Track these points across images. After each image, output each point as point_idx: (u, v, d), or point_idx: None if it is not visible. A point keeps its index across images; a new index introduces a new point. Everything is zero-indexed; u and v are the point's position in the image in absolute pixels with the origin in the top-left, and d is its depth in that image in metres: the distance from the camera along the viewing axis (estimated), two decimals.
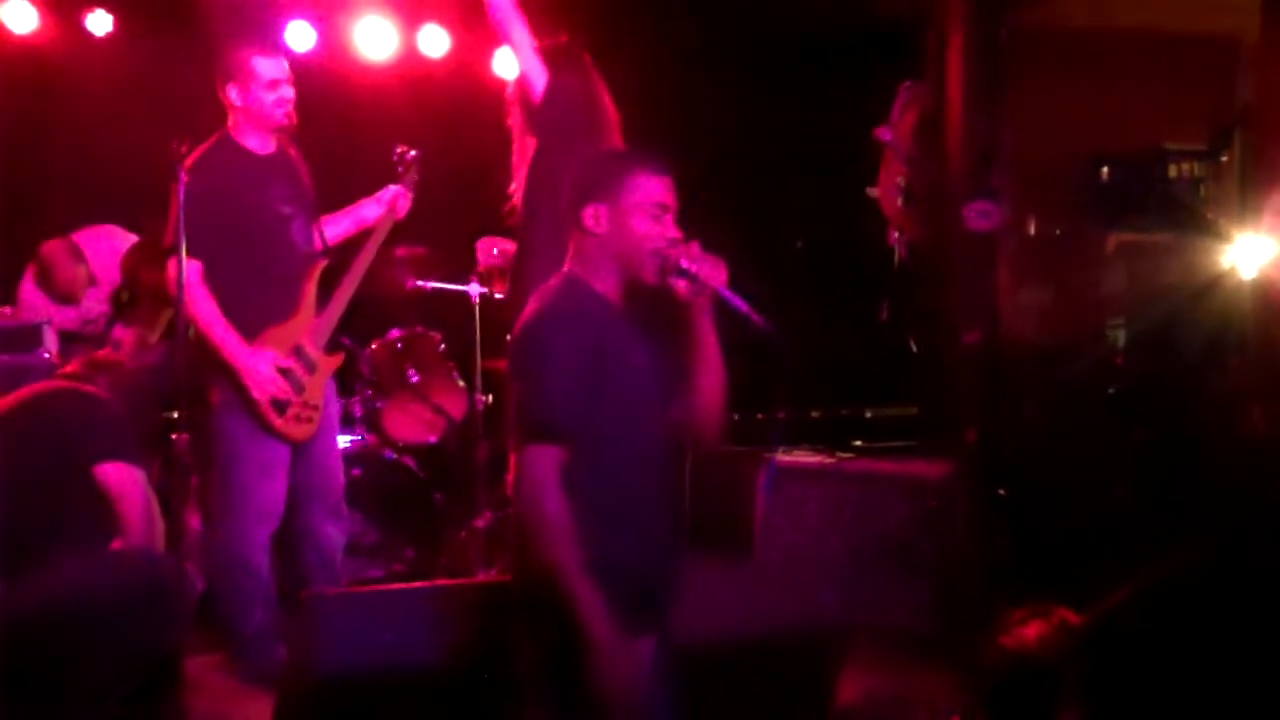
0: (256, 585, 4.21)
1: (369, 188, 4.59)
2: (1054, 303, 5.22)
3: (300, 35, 5.83)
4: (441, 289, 5.46)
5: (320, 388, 4.31)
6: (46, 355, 5.03)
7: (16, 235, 5.57)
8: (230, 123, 4.27)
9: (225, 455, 4.19)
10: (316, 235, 4.37)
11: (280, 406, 4.18)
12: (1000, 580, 4.57)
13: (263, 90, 4.20)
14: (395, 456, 5.30)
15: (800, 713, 3.65)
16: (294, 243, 4.30)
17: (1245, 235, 4.77)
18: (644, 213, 2.76)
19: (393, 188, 4.54)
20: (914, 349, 5.56)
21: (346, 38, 5.63)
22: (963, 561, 4.66)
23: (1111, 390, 5.13)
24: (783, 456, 5.21)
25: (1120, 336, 5.14)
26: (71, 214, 5.77)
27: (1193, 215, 5.05)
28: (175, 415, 4.52)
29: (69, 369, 3.96)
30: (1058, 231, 5.25)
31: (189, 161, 3.91)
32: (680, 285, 2.81)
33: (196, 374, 4.13)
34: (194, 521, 4.41)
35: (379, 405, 5.44)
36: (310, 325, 4.31)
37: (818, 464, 5.09)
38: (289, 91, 4.24)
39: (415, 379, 5.42)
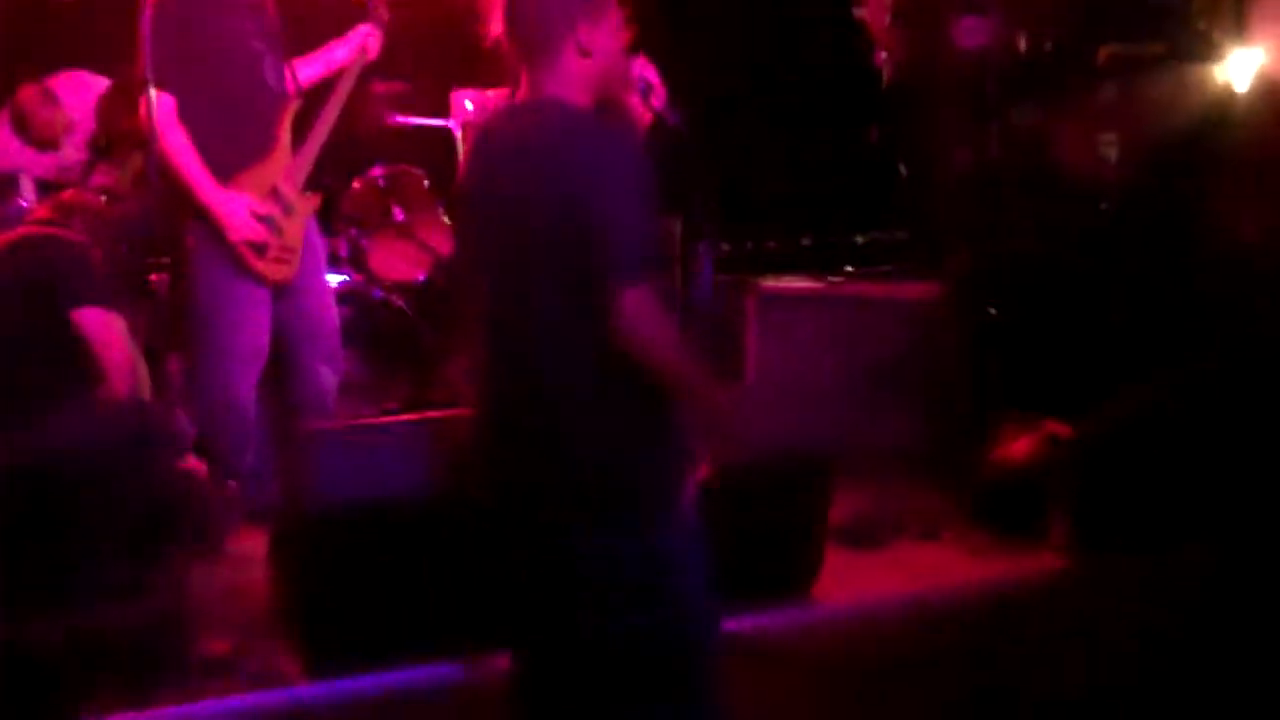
0: (244, 425, 4.23)
1: (336, 29, 4.52)
2: (1045, 120, 5.18)
3: None
4: (423, 124, 5.45)
5: (299, 230, 4.28)
6: (24, 204, 4.97)
7: None
8: None
9: (204, 299, 4.19)
10: (289, 75, 4.30)
11: (258, 249, 4.17)
12: (990, 399, 4.62)
13: None
14: (383, 295, 5.30)
15: (793, 534, 3.67)
16: (266, 81, 4.24)
17: (1238, 48, 4.77)
18: (620, 30, 2.74)
19: (362, 27, 4.45)
20: (903, 172, 5.55)
21: None
22: (953, 381, 4.72)
23: (1104, 206, 5.15)
24: (772, 282, 5.19)
25: (1111, 153, 5.12)
26: (43, 60, 5.62)
27: (1185, 26, 5.04)
28: (155, 260, 4.59)
29: (39, 214, 3.91)
30: (1047, 46, 5.21)
31: None
32: (635, 100, 2.86)
33: (171, 217, 4.11)
34: (174, 366, 4.43)
35: (364, 244, 5.39)
36: (286, 166, 4.27)
37: (808, 289, 5.12)
38: None
39: (400, 217, 5.39)
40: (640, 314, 2.51)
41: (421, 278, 5.50)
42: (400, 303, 5.35)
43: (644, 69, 2.88)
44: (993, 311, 4.90)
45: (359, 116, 5.01)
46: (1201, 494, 3.71)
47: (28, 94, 5.43)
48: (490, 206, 2.72)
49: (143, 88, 3.81)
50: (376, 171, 5.48)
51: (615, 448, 2.59)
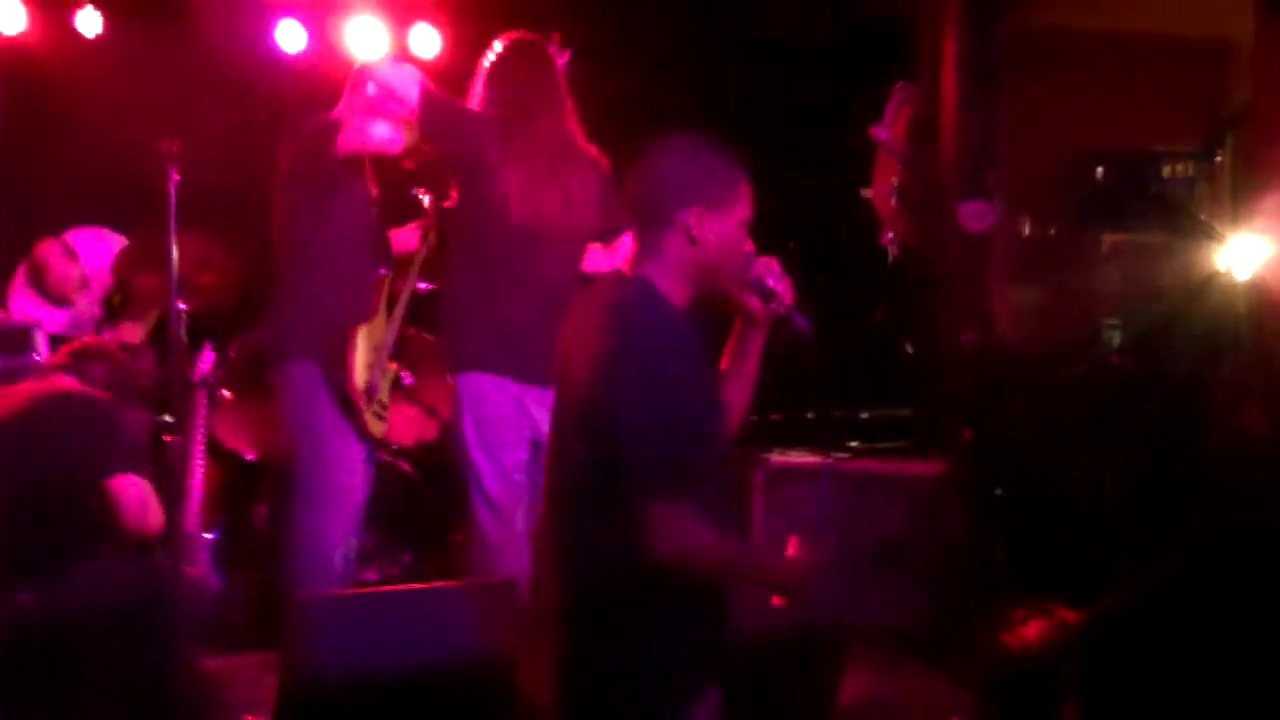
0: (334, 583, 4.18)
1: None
2: (1048, 304, 5.20)
3: (290, 35, 5.80)
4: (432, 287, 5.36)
5: (388, 392, 4.37)
6: (37, 358, 5.01)
7: (7, 236, 5.56)
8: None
9: (307, 448, 4.21)
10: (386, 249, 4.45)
11: (369, 397, 4.22)
12: (996, 581, 4.57)
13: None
14: (389, 459, 5.26)
15: (799, 714, 3.51)
16: (376, 249, 4.41)
17: (1239, 235, 4.79)
18: (744, 225, 2.61)
19: (423, 222, 4.59)
20: (909, 350, 5.56)
21: (337, 37, 5.41)
22: (958, 562, 4.68)
23: (1106, 391, 5.08)
24: (778, 457, 5.17)
25: (1115, 337, 5.11)
26: (63, 215, 5.71)
27: (1187, 216, 5.07)
28: (167, 419, 4.62)
29: (56, 358, 3.90)
30: (1052, 232, 5.23)
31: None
32: (754, 302, 2.72)
33: (273, 349, 4.19)
34: (189, 524, 4.39)
35: None
36: (384, 329, 4.38)
37: (814, 464, 5.09)
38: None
39: (409, 381, 5.26)
40: (667, 532, 2.33)
41: (429, 441, 5.49)
42: (407, 467, 5.33)
43: (767, 270, 2.72)
44: (998, 491, 4.85)
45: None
46: (1218, 684, 3.65)
47: (47, 248, 5.54)
48: (560, 376, 2.60)
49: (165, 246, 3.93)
50: None
51: (623, 673, 2.45)
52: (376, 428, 4.27)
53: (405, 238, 4.58)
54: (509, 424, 4.01)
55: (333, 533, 4.18)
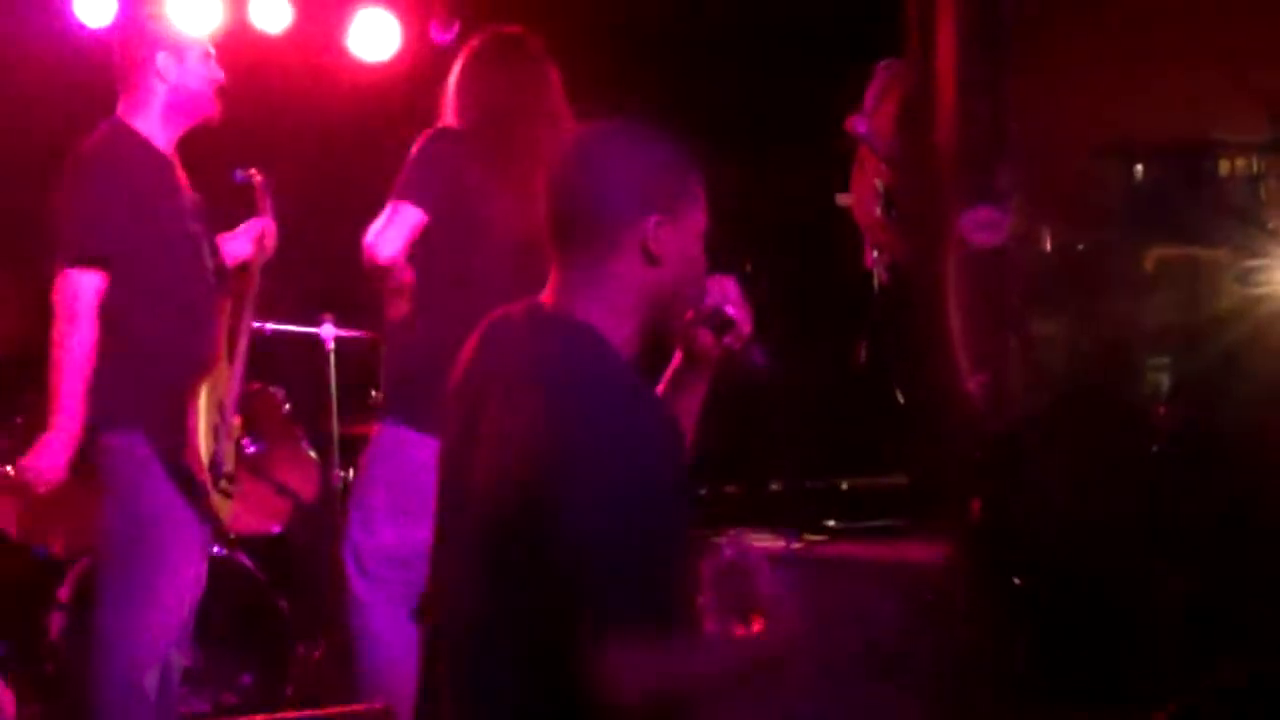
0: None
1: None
2: (1077, 339, 4.91)
3: (96, 7, 5.53)
4: (284, 330, 5.25)
5: (233, 459, 4.16)
6: None
7: None
8: (129, 105, 4.13)
9: (129, 533, 3.99)
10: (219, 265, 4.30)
11: (215, 471, 4.03)
12: (1016, 693, 4.36)
13: (198, 63, 4.14)
14: (225, 552, 5.00)
15: None
16: (206, 273, 4.18)
17: None
18: (701, 237, 2.37)
19: (256, 221, 4.38)
20: (900, 400, 5.35)
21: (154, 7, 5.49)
22: (969, 669, 4.41)
23: (1154, 449, 4.82)
24: (733, 542, 4.82)
25: (1163, 380, 4.85)
26: None
27: (1250, 223, 4.77)
28: None
29: None
30: (1080, 246, 4.92)
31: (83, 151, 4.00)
32: (704, 334, 2.52)
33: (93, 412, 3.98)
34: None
35: None
36: (227, 379, 4.17)
37: (781, 549, 4.90)
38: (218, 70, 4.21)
39: (252, 449, 5.22)
40: (627, 679, 2.11)
41: (277, 530, 5.37)
42: (249, 564, 5.05)
43: (722, 295, 2.52)
44: (1017, 580, 4.50)
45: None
46: None
47: None
48: (454, 440, 2.38)
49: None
50: None
51: None
52: (224, 509, 4.08)
53: (235, 246, 4.39)
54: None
55: (151, 648, 3.98)
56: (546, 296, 2.39)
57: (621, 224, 2.29)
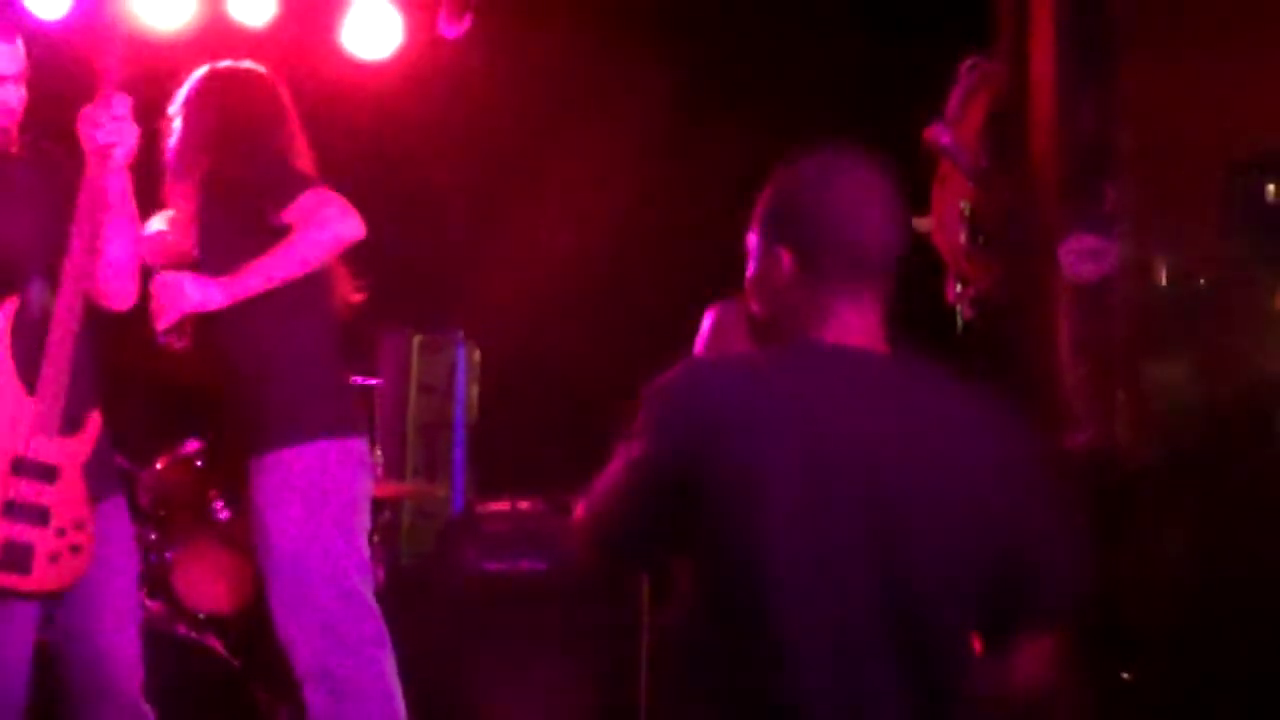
0: None
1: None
2: (1198, 384, 4.68)
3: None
4: None
5: (75, 497, 3.71)
6: None
7: None
8: None
9: None
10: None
11: (19, 558, 3.62)
12: None
13: None
14: (192, 634, 4.78)
15: None
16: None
17: None
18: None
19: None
20: None
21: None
22: None
23: None
24: None
25: None
26: None
27: None
28: None
29: None
30: (1201, 282, 4.73)
31: None
32: None
33: None
34: None
35: (168, 556, 4.92)
36: (29, 414, 3.69)
37: None
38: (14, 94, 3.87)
39: (225, 515, 4.90)
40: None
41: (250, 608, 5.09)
42: (217, 645, 4.78)
43: None
44: (1126, 676, 4.44)
45: (170, 362, 4.46)
46: None
47: None
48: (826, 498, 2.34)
49: None
50: (192, 446, 5.09)
51: None
52: (60, 574, 3.68)
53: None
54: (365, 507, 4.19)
55: None
56: (872, 340, 2.46)
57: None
